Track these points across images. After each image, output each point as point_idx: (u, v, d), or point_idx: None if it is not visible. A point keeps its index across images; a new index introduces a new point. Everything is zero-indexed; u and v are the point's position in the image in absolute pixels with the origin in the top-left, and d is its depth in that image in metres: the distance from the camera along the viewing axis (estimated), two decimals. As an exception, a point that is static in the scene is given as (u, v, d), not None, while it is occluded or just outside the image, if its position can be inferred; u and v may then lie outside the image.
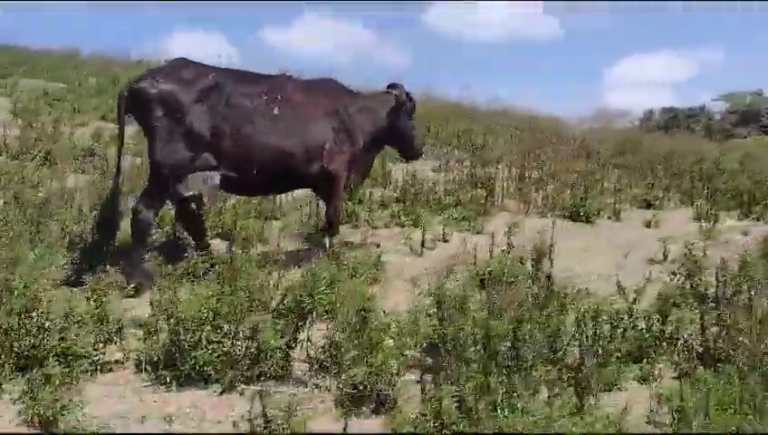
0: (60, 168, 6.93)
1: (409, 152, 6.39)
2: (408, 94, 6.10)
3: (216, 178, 5.04)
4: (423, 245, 6.02)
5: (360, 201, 7.05)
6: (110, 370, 3.39)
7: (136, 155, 7.36)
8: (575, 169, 10.07)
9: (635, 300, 4.01)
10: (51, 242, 4.68)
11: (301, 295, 3.49)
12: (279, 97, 5.26)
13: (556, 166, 10.12)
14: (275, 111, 5.17)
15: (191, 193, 5.03)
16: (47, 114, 10.15)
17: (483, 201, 7.41)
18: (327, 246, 5.40)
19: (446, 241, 6.34)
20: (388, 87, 6.22)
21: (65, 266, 4.40)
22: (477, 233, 6.66)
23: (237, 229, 5.35)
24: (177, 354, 3.27)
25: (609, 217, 7.70)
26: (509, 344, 3.29)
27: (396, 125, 6.01)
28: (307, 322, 3.46)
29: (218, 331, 3.31)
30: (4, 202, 5.15)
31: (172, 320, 3.28)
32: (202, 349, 3.24)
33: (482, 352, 3.24)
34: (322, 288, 3.70)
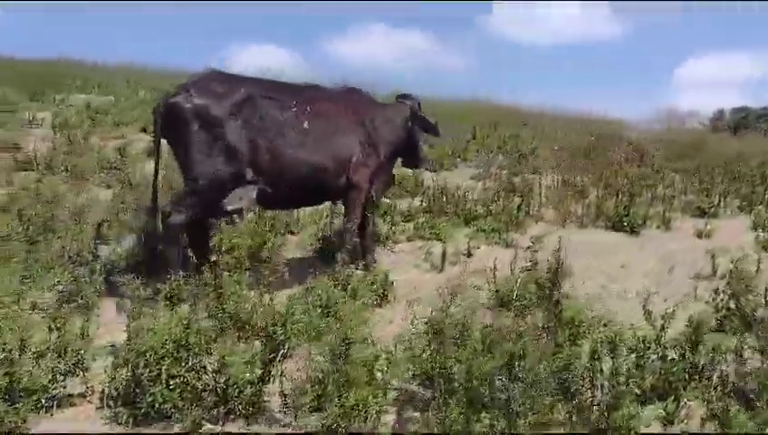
0: (80, 182, 6.89)
1: (416, 162, 6.18)
2: (419, 105, 5.96)
3: (253, 192, 4.92)
4: (444, 260, 5.61)
5: (384, 213, 6.70)
6: (73, 404, 3.15)
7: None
8: (626, 175, 9.44)
9: (663, 326, 3.51)
10: (46, 261, 4.52)
11: (274, 323, 3.18)
12: (308, 109, 5.14)
13: (606, 171, 9.52)
14: (305, 125, 5.06)
15: (233, 208, 4.92)
16: (87, 128, 10.27)
17: (516, 211, 6.91)
18: (340, 260, 5.08)
19: (469, 255, 5.91)
20: (400, 97, 6.08)
21: (52, 287, 4.22)
22: (507, 246, 6.20)
23: (224, 247, 5.03)
24: (136, 390, 3.01)
25: (657, 227, 7.07)
26: (502, 383, 2.87)
27: (411, 136, 5.83)
28: (279, 353, 3.13)
29: (183, 364, 3.02)
30: (11, 219, 5.04)
31: (133, 351, 3.02)
32: (161, 384, 2.96)
33: (467, 391, 2.83)
34: (301, 314, 3.35)
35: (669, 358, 3.43)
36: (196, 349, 3.08)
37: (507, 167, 10.40)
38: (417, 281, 5.29)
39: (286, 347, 3.15)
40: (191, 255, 4.97)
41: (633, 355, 3.38)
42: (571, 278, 5.29)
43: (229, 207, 4.90)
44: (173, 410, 2.94)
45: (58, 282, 4.19)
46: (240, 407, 3.04)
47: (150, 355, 3.00)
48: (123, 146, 8.51)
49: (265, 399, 3.12)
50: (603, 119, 18.06)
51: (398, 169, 9.26)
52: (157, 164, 4.93)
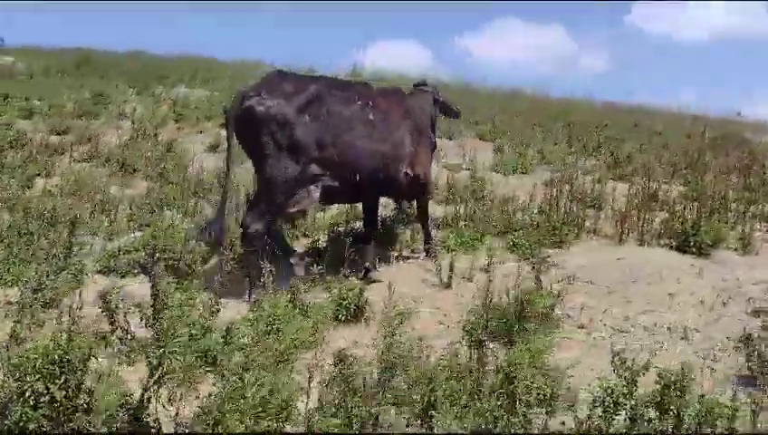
0: (127, 175, 7.05)
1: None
2: (436, 90, 6.23)
3: (317, 191, 4.96)
4: (451, 275, 5.05)
5: (406, 216, 6.22)
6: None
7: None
8: (724, 185, 8.20)
9: (633, 379, 2.79)
10: (24, 256, 4.52)
11: (158, 339, 2.87)
12: (370, 103, 5.26)
13: (702, 180, 8.34)
14: (370, 116, 5.19)
15: (298, 209, 5.02)
16: (168, 121, 10.63)
17: (561, 223, 6.14)
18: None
19: (486, 271, 5.29)
20: (418, 85, 6.19)
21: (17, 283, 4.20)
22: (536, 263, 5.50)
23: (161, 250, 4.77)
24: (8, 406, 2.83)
25: (734, 249, 6.00)
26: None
27: (434, 122, 6.07)
28: (152, 379, 2.82)
29: (55, 381, 2.80)
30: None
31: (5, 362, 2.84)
32: (27, 402, 2.75)
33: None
34: (191, 333, 3.03)
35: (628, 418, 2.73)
36: (77, 365, 2.86)
37: (591, 171, 9.45)
38: (413, 297, 4.79)
39: (160, 371, 2.83)
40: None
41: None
42: (591, 307, 4.62)
43: (295, 209, 4.96)
44: (38, 432, 2.74)
45: (23, 278, 4.17)
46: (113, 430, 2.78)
47: (24, 368, 2.81)
48: (183, 141, 8.65)
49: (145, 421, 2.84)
50: (739, 121, 16.21)
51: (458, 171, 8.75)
52: (229, 166, 4.96)
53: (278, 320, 3.71)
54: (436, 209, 6.72)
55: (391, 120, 5.38)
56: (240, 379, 2.89)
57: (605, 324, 4.40)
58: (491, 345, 3.43)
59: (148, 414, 2.86)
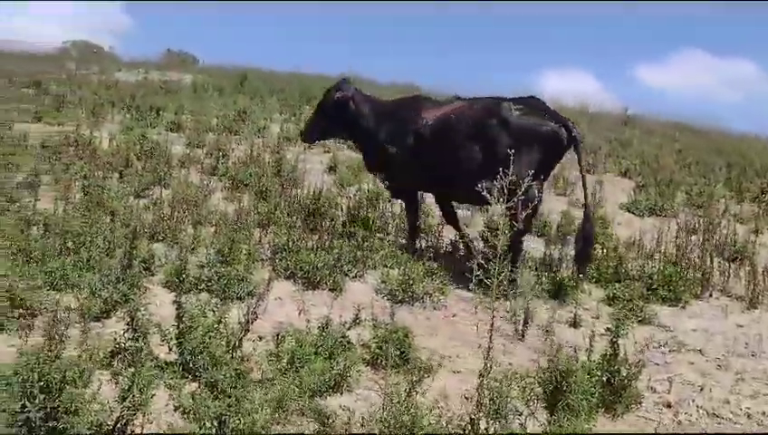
0: (234, 190, 7.22)
1: None
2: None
3: None
4: (526, 325, 4.44)
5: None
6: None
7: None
8: None
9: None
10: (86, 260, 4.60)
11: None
12: None
13: None
14: None
15: None
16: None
17: (678, 276, 5.25)
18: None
19: (574, 326, 4.61)
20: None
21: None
22: (642, 322, 4.72)
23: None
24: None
25: None
26: None
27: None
28: (123, 404, 2.62)
29: (32, 401, 2.70)
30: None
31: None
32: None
33: None
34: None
35: None
36: (61, 386, 2.76)
37: (747, 220, 8.18)
38: (472, 344, 4.25)
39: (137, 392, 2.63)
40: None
41: None
42: (689, 382, 3.82)
43: None
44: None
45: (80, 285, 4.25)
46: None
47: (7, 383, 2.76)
48: (308, 160, 8.76)
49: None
50: None
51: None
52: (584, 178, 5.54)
53: (301, 358, 3.40)
54: (537, 246, 6.09)
55: None
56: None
57: (698, 406, 3.59)
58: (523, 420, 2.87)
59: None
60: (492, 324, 2.60)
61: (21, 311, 3.82)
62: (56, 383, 2.71)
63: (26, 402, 2.67)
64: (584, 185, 5.43)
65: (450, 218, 6.12)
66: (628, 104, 17.21)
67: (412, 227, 6.00)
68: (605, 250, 5.77)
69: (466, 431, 2.45)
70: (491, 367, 2.49)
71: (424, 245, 5.90)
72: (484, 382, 2.51)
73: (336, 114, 6.20)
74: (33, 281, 4.08)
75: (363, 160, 6.68)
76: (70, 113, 10.92)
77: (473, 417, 2.42)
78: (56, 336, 3.20)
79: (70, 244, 4.76)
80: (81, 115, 10.80)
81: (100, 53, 24.39)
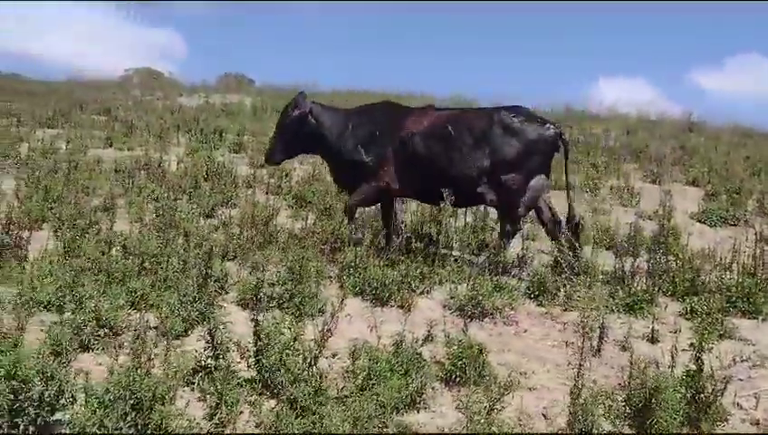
0: (297, 209, 7.34)
1: None
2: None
3: None
4: (601, 339, 4.33)
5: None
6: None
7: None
8: None
9: None
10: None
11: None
12: None
13: None
14: None
15: None
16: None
17: (758, 287, 5.04)
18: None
19: (651, 341, 4.48)
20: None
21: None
22: (723, 336, 4.54)
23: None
24: None
25: None
26: None
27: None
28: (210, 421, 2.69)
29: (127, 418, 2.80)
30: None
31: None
32: None
33: None
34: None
35: None
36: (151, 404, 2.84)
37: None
38: (548, 360, 4.18)
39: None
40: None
41: None
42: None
43: None
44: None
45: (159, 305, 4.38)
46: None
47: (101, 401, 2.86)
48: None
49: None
50: None
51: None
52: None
53: (377, 375, 3.42)
54: (605, 259, 5.95)
55: None
56: None
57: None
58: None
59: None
60: (582, 342, 2.50)
61: (105, 330, 3.97)
62: (147, 401, 2.81)
63: (119, 421, 2.78)
64: (567, 180, 6.19)
65: (389, 219, 6.29)
66: (690, 110, 16.66)
67: (389, 234, 6.13)
68: (680, 262, 5.59)
69: (555, 450, 2.40)
70: (582, 386, 2.42)
71: (487, 259, 5.85)
72: (575, 401, 2.46)
73: (297, 131, 6.23)
74: (115, 301, 4.23)
75: (331, 175, 6.69)
76: (138, 138, 11.36)
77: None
78: (143, 355, 3.32)
79: (147, 264, 4.93)
80: (149, 139, 11.21)
81: (160, 79, 25.27)
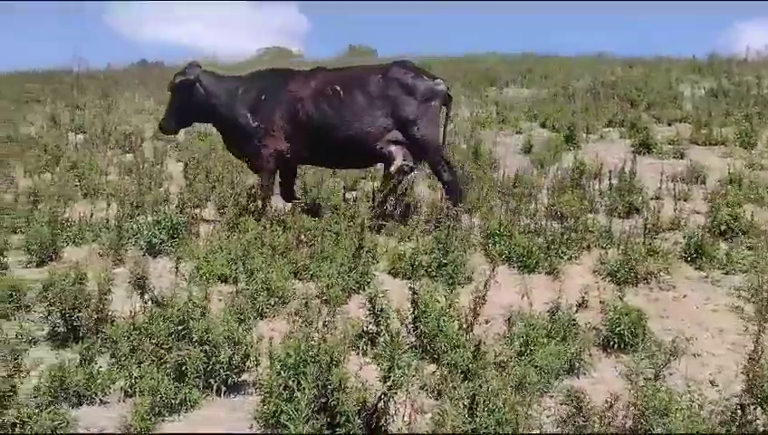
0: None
1: None
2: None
3: None
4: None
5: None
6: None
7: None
8: None
9: None
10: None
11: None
12: None
13: None
14: None
15: None
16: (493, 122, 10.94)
17: None
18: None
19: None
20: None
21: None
22: None
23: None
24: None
25: None
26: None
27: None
28: (386, 384, 2.88)
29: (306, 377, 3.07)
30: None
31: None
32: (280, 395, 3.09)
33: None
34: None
35: None
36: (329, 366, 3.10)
37: None
38: (710, 326, 4.03)
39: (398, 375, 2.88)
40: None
41: None
42: None
43: None
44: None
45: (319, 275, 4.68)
46: None
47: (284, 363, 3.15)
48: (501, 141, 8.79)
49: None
50: None
51: None
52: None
53: (534, 341, 3.49)
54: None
55: None
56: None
57: None
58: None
59: (385, 420, 2.98)
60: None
61: (275, 299, 4.32)
62: (326, 364, 3.06)
63: (302, 382, 3.05)
64: (444, 134, 6.20)
65: (288, 191, 6.34)
66: None
67: (266, 197, 5.97)
68: None
69: (734, 418, 2.37)
70: (762, 352, 2.37)
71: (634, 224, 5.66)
72: (755, 368, 2.41)
73: (187, 99, 6.13)
74: (280, 272, 4.58)
75: (224, 143, 6.56)
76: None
77: (743, 403, 2.33)
78: (315, 322, 3.62)
79: (302, 237, 5.27)
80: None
81: (290, 56, 26.24)
